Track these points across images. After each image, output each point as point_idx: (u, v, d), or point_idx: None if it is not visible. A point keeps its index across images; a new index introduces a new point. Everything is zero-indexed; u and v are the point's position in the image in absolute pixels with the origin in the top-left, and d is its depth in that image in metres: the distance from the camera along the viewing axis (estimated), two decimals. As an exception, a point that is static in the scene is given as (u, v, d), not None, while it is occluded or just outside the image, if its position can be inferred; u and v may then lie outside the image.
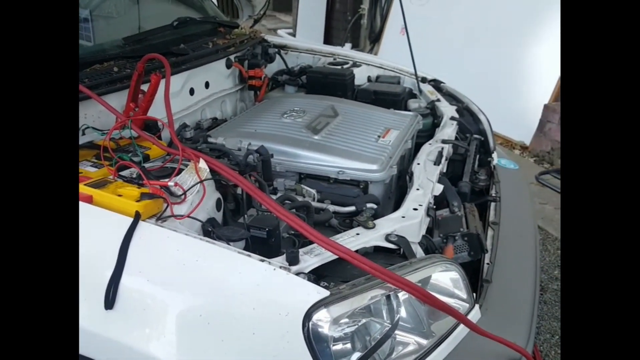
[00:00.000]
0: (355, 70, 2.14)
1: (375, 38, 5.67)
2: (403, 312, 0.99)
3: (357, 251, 1.05)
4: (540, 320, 2.06)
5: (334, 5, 6.30)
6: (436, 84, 2.14)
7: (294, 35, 6.99)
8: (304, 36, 6.68)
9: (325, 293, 0.86)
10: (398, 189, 1.55)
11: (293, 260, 0.90)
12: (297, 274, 0.89)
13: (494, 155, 1.82)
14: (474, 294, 1.11)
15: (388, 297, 0.96)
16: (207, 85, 1.74)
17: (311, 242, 0.95)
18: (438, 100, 1.96)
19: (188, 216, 0.97)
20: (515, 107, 3.78)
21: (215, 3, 2.67)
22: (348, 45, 6.07)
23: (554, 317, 2.08)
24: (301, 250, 0.96)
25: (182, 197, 1.00)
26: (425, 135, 1.78)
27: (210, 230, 0.99)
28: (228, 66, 1.83)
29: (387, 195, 1.45)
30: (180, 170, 1.06)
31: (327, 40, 6.42)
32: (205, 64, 1.70)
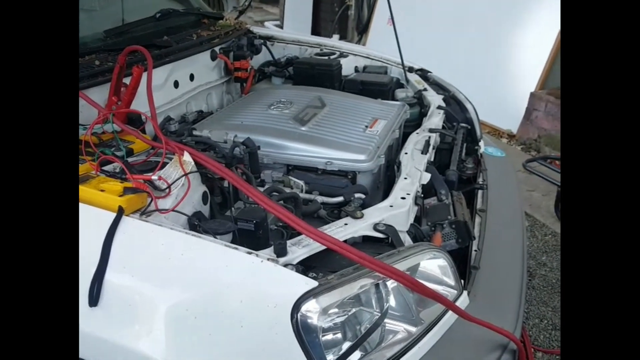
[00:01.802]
0: (343, 61, 2.13)
1: (362, 29, 5.64)
2: (392, 301, 0.99)
3: (345, 241, 1.06)
4: (529, 306, 2.09)
5: (321, -4, 6.26)
6: (423, 74, 2.14)
7: (281, 27, 6.93)
8: (292, 28, 6.62)
9: (314, 284, 0.85)
10: (386, 179, 1.55)
11: (281, 251, 0.90)
12: (285, 265, 0.89)
13: (481, 143, 1.83)
14: (462, 281, 1.12)
15: (377, 286, 0.96)
16: (191, 77, 1.72)
17: (299, 234, 0.94)
18: (425, 89, 1.96)
19: (173, 210, 0.96)
20: (502, 95, 3.80)
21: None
22: (336, 37, 6.02)
23: (542, 302, 2.11)
24: (289, 242, 0.95)
25: (167, 190, 0.98)
26: (412, 124, 1.78)
27: (197, 223, 0.98)
28: (213, 58, 1.81)
29: (375, 185, 1.45)
30: (165, 164, 1.05)
31: (315, 31, 6.38)
32: (189, 55, 1.68)
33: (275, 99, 1.66)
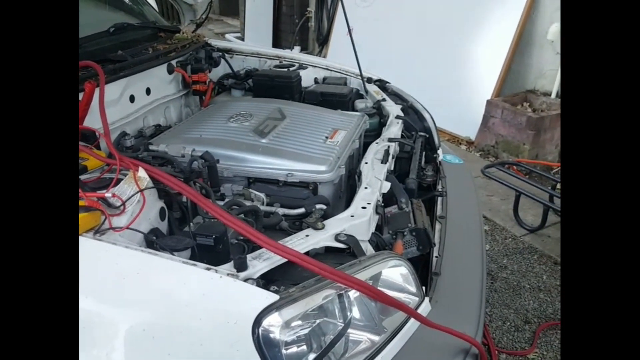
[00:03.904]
0: (302, 73, 2.15)
1: (323, 40, 5.72)
2: (355, 311, 0.99)
3: (307, 253, 1.06)
4: (492, 308, 2.15)
5: (280, 9, 6.30)
6: (382, 84, 2.19)
7: (242, 39, 6.92)
8: (253, 40, 6.63)
9: (275, 297, 0.85)
10: (348, 189, 1.57)
11: (241, 266, 0.89)
12: (246, 280, 0.88)
13: (439, 151, 1.88)
14: (424, 287, 1.14)
15: (340, 296, 0.96)
16: (148, 91, 1.68)
17: (260, 247, 0.94)
18: (384, 99, 2.00)
19: (127, 228, 0.93)
20: (461, 104, 3.94)
21: (157, 9, 2.60)
22: (297, 48, 6.08)
23: (504, 305, 2.18)
24: (250, 256, 0.94)
25: (121, 208, 0.96)
26: (372, 134, 1.81)
27: (153, 240, 0.95)
28: (170, 71, 1.78)
29: (337, 195, 1.46)
30: (119, 181, 1.02)
31: (276, 43, 6.40)
32: (145, 69, 1.65)
33: (235, 112, 1.65)
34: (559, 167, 2.59)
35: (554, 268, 2.43)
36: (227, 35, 7.31)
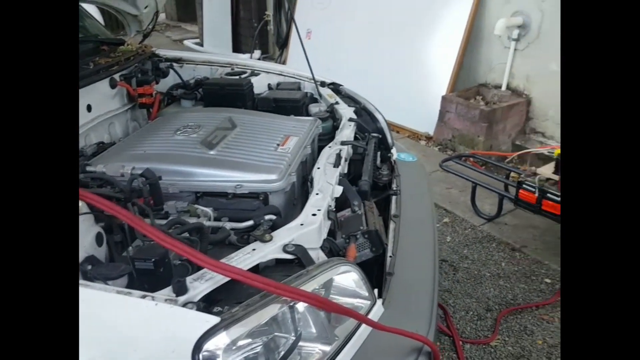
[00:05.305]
0: (255, 79, 2.12)
1: (282, 44, 5.69)
2: (308, 322, 0.98)
3: (256, 267, 1.04)
4: (455, 299, 2.18)
5: (239, 13, 6.23)
6: (335, 87, 2.18)
7: (201, 45, 6.81)
8: (212, 45, 6.54)
9: (215, 320, 0.82)
10: (303, 195, 1.55)
11: (180, 290, 0.86)
12: (185, 304, 0.85)
13: (393, 150, 1.89)
14: (378, 289, 1.14)
15: (291, 309, 0.94)
16: (89, 108, 1.62)
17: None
18: (337, 103, 1.99)
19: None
20: (419, 100, 3.99)
21: (102, 22, 2.51)
22: (257, 52, 6.03)
23: (466, 294, 2.21)
24: (191, 277, 0.91)
25: (51, 237, 0.90)
26: (326, 138, 1.80)
27: (87, 271, 0.91)
28: (112, 86, 1.72)
29: (290, 203, 1.44)
30: (49, 208, 0.96)
31: (236, 48, 6.33)
32: (85, 86, 1.59)
33: (182, 124, 1.61)
34: (512, 156, 2.65)
35: (511, 254, 2.49)
36: (185, 42, 7.17)
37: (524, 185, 2.34)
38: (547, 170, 2.33)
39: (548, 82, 3.45)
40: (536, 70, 3.53)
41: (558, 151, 2.32)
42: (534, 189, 2.29)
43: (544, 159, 2.77)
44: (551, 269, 2.37)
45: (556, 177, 2.25)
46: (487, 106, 3.59)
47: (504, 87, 3.71)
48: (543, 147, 2.93)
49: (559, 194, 2.19)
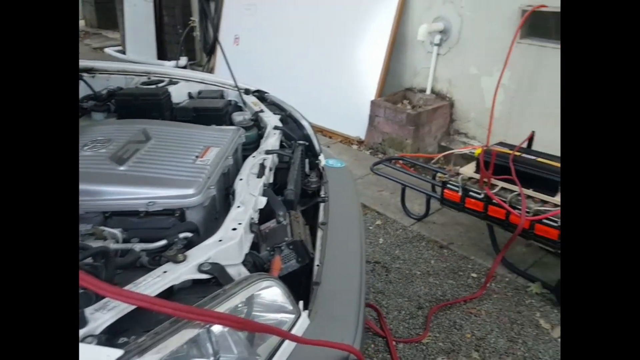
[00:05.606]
0: (174, 88, 2.03)
1: (210, 50, 5.55)
2: (228, 343, 0.93)
3: (170, 289, 0.97)
4: (388, 300, 2.21)
5: (162, 19, 5.99)
6: (260, 94, 2.14)
7: (124, 52, 6.48)
8: (135, 53, 6.23)
9: (118, 353, 0.75)
10: (226, 208, 1.49)
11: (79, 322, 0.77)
12: (85, 337, 0.77)
13: (321, 157, 1.88)
14: (305, 299, 1.11)
15: (207, 332, 0.89)
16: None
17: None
18: (262, 111, 1.95)
19: None
20: (349, 105, 4.05)
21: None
22: (184, 59, 5.84)
23: (398, 294, 2.25)
24: (92, 307, 0.83)
25: None
26: (251, 147, 1.75)
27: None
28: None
29: (211, 218, 1.38)
30: None
31: (161, 55, 6.08)
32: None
33: (91, 138, 1.48)
34: (438, 157, 2.76)
35: (440, 252, 2.59)
36: (106, 50, 6.79)
37: (448, 185, 2.44)
38: (468, 170, 2.44)
39: (469, 85, 3.64)
40: (457, 74, 3.71)
41: (479, 150, 2.44)
42: (457, 188, 2.39)
43: (467, 159, 2.91)
44: (477, 264, 2.49)
45: (477, 176, 2.37)
46: (413, 110, 3.72)
47: (428, 91, 3.87)
48: (465, 148, 3.08)
49: (480, 191, 2.30)
